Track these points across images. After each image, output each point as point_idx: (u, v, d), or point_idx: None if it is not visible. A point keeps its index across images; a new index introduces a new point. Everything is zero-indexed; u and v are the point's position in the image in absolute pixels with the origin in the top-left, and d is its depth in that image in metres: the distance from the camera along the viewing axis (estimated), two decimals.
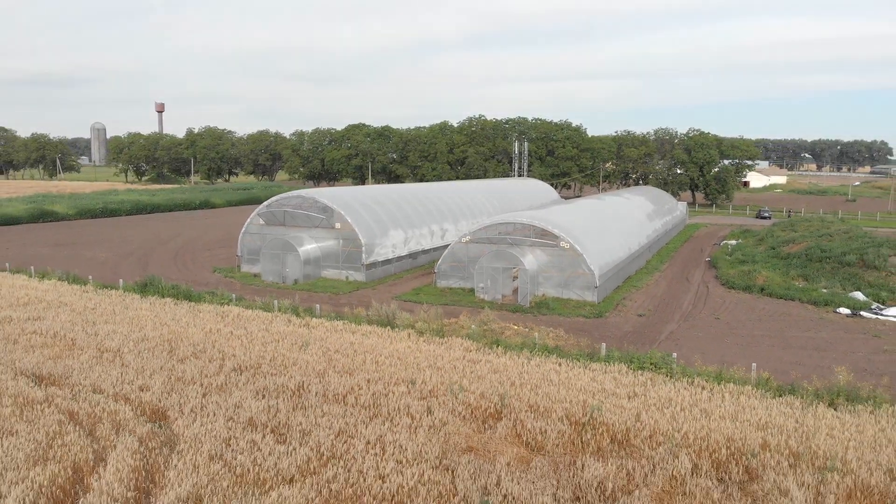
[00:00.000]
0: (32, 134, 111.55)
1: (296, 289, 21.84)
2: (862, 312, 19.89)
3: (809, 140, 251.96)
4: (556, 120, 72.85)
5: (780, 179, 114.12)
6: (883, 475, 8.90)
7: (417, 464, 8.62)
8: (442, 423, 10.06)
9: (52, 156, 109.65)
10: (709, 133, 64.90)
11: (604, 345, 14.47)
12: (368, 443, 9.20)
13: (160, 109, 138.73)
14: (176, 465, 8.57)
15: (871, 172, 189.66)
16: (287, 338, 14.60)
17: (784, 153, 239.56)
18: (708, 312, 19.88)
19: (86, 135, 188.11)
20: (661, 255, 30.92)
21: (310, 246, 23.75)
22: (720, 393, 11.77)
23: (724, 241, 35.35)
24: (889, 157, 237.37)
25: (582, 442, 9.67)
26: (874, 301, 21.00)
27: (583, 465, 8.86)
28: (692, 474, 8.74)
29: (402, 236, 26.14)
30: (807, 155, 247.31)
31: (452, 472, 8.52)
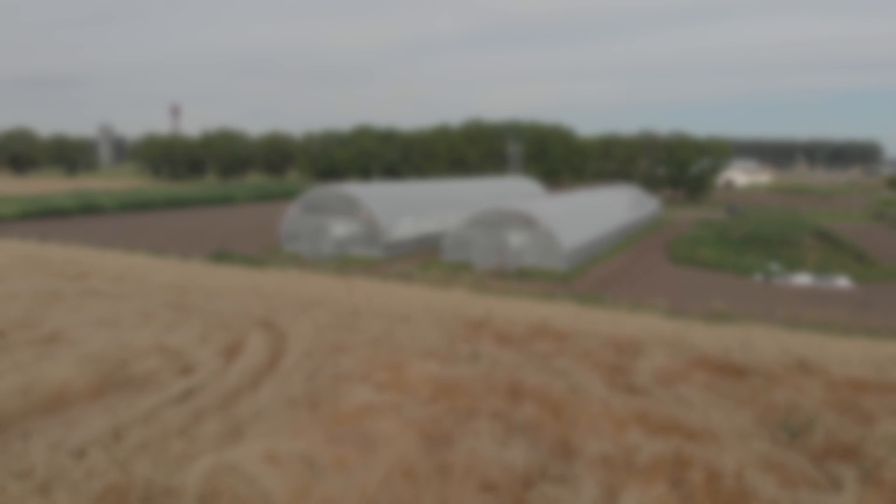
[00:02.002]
0: (53, 134, 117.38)
1: (331, 261, 27.54)
2: (773, 278, 25.61)
3: (804, 140, 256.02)
4: (551, 119, 78.98)
5: (765, 178, 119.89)
6: (720, 350, 14.54)
7: (435, 341, 14.32)
8: (448, 327, 15.76)
9: (72, 155, 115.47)
10: (687, 135, 70.77)
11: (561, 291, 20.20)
12: (404, 334, 14.91)
13: (175, 112, 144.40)
14: (290, 342, 14.27)
15: (863, 172, 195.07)
16: (336, 287, 20.31)
17: (779, 152, 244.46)
18: (652, 278, 25.57)
19: (88, 133, 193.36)
20: (628, 240, 36.63)
21: (339, 229, 29.45)
22: (633, 316, 17.48)
23: (690, 231, 41.02)
24: (881, 157, 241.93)
25: (536, 337, 15.36)
26: (785, 270, 26.71)
27: (534, 345, 14.55)
28: (600, 349, 14.42)
29: (413, 222, 31.85)
30: (800, 155, 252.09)
31: (455, 344, 14.22)
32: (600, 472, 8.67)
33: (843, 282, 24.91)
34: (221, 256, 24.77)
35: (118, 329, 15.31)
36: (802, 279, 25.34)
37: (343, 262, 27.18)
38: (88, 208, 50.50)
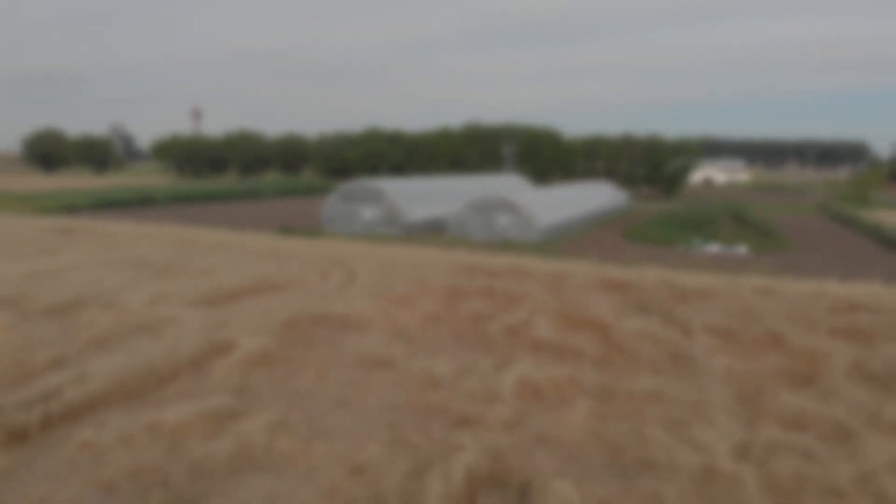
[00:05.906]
0: (82, 134, 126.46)
1: (363, 237, 36.62)
2: (692, 248, 34.57)
3: (795, 140, 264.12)
4: (550, 120, 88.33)
5: (744, 176, 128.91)
6: (619, 277, 23.42)
7: (445, 275, 23.30)
8: (453, 269, 24.74)
9: (100, 155, 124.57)
10: (661, 137, 79.85)
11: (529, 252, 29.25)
12: (425, 272, 23.89)
13: (197, 114, 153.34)
14: (357, 273, 23.23)
15: (852, 171, 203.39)
16: (374, 250, 29.32)
17: (771, 152, 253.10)
18: (604, 248, 34.52)
19: (96, 132, 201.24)
20: (595, 224, 45.65)
21: (367, 213, 38.47)
22: (574, 263, 26.48)
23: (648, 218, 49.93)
24: (868, 157, 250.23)
25: (509, 272, 24.31)
26: (704, 243, 35.69)
27: (506, 276, 23.52)
28: (547, 276, 23.34)
29: (423, 208, 40.85)
30: (791, 155, 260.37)
31: (457, 276, 23.20)
32: (529, 313, 17.69)
33: (742, 250, 33.88)
34: (287, 230, 33.72)
35: (246, 267, 24.29)
36: (713, 248, 34.32)
37: (373, 238, 36.20)
38: (144, 200, 59.47)
